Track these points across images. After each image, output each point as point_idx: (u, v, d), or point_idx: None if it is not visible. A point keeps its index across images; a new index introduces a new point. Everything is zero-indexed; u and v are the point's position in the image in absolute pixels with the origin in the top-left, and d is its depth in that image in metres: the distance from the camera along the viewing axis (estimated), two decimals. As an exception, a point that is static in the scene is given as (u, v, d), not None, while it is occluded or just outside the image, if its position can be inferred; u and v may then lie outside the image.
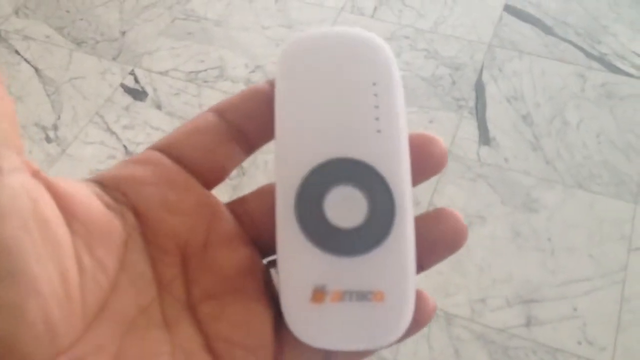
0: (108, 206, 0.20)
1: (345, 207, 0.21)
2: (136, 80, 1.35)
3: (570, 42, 1.38)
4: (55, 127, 1.28)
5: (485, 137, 1.23)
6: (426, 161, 0.22)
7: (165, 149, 0.22)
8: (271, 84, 0.23)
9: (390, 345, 0.21)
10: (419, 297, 0.21)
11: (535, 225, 1.11)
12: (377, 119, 0.22)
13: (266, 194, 0.23)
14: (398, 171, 0.21)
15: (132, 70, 1.36)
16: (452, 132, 1.25)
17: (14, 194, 0.16)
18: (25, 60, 1.39)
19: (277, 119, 0.22)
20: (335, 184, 0.21)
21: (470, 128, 1.25)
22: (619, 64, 1.34)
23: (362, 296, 0.20)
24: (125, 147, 1.24)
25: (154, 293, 0.20)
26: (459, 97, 1.29)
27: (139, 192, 0.20)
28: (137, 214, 0.20)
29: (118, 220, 0.20)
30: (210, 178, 0.22)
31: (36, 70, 1.37)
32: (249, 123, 0.22)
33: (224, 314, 0.20)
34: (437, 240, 0.22)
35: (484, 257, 1.07)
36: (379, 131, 0.21)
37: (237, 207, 0.23)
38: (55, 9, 1.49)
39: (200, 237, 0.21)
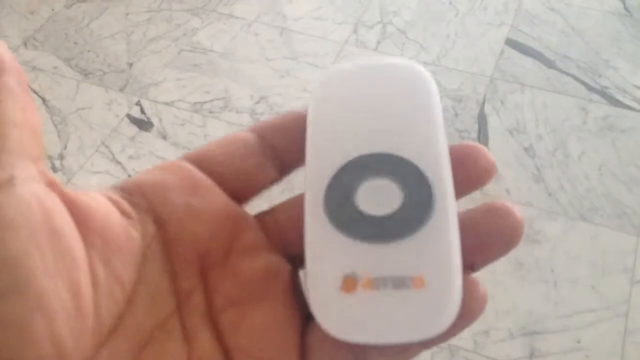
0: (127, 214, 0.19)
1: (378, 196, 0.20)
2: (142, 111, 1.36)
3: (571, 75, 1.39)
4: (61, 157, 1.29)
5: (487, 169, 1.23)
6: (470, 172, 0.20)
7: (196, 159, 0.21)
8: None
9: (434, 338, 0.18)
10: (466, 282, 0.19)
11: (538, 257, 1.11)
12: (414, 124, 0.21)
13: (296, 205, 0.21)
14: (435, 162, 0.20)
15: (139, 101, 1.38)
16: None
17: (25, 204, 0.16)
18: (33, 90, 1.41)
19: (310, 125, 0.21)
20: (367, 176, 0.20)
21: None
22: (620, 97, 1.35)
23: (399, 282, 0.18)
24: (130, 177, 1.25)
25: (173, 305, 0.19)
26: (461, 129, 1.30)
27: (162, 198, 0.20)
28: (159, 220, 0.19)
29: (137, 231, 0.19)
30: (240, 193, 0.21)
31: (43, 100, 1.39)
32: (285, 143, 0.21)
33: (245, 323, 0.19)
34: (489, 236, 0.19)
35: (487, 288, 1.07)
36: (415, 132, 0.20)
37: (265, 217, 0.22)
38: (64, 40, 1.51)
39: (223, 245, 0.20)
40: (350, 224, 0.19)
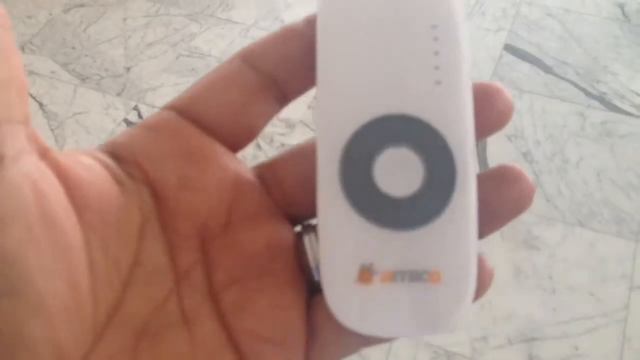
0: (123, 185, 0.18)
1: (398, 172, 0.18)
2: (139, 116, 1.36)
3: (569, 81, 1.39)
4: (58, 162, 1.28)
5: (485, 175, 1.23)
6: (488, 114, 0.19)
7: (185, 109, 0.19)
8: (309, 23, 0.19)
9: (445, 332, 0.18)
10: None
11: (537, 263, 1.11)
12: (436, 67, 0.18)
13: (300, 156, 0.20)
14: (460, 130, 0.18)
15: (136, 106, 1.38)
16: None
17: (17, 192, 0.14)
18: (30, 95, 1.40)
19: (319, 67, 0.18)
20: (386, 144, 0.18)
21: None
22: (618, 102, 1.35)
23: (416, 276, 0.18)
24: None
25: (172, 285, 0.18)
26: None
27: (156, 168, 0.18)
28: (154, 192, 0.18)
29: (134, 205, 0.17)
30: (238, 139, 0.19)
31: (40, 105, 1.38)
32: (283, 70, 0.19)
33: (248, 303, 0.18)
34: (501, 206, 0.18)
35: (485, 294, 1.07)
36: (438, 83, 0.18)
37: (265, 172, 0.20)
38: (61, 45, 1.51)
39: (222, 216, 0.18)
40: (369, 207, 0.18)
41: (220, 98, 0.19)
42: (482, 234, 0.19)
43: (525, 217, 1.16)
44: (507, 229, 1.15)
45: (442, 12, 0.19)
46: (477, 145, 1.28)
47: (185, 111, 0.19)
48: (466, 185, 0.18)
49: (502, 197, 0.18)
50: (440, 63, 0.18)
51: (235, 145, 0.19)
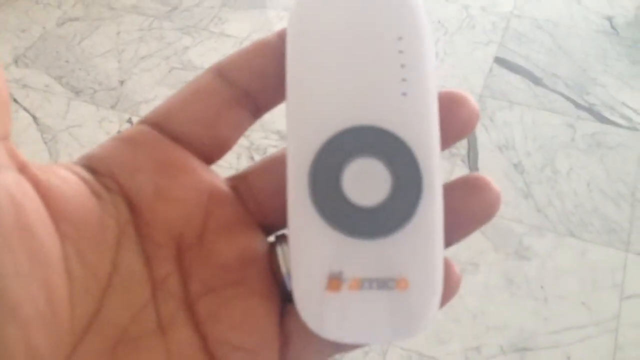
0: (99, 197, 0.18)
1: (365, 182, 0.18)
2: (133, 129, 1.37)
3: (559, 93, 1.41)
4: (51, 174, 1.29)
5: (477, 186, 1.24)
6: (453, 123, 0.19)
7: (160, 122, 0.19)
8: (280, 37, 0.20)
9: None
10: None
11: (528, 273, 1.11)
12: (403, 80, 0.19)
13: (272, 167, 0.20)
14: (426, 141, 0.19)
15: (130, 119, 1.38)
16: (444, 180, 1.26)
17: None
18: (24, 108, 1.41)
19: (289, 80, 0.19)
20: (354, 155, 0.19)
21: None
22: (607, 114, 1.36)
23: (384, 284, 0.18)
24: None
25: (148, 294, 0.18)
26: (451, 146, 1.31)
27: (132, 179, 0.18)
28: (130, 203, 0.18)
29: (111, 216, 0.18)
30: (212, 151, 0.20)
31: (34, 118, 1.39)
32: (256, 83, 0.19)
33: (223, 312, 0.18)
34: (468, 215, 0.19)
35: (478, 304, 1.08)
36: (404, 94, 0.19)
37: (239, 183, 0.20)
38: (55, 58, 1.51)
39: (197, 226, 0.19)
40: (338, 216, 0.18)
41: (194, 111, 0.19)
42: (449, 242, 0.19)
43: (516, 228, 1.17)
44: (498, 239, 1.16)
45: (407, 24, 0.19)
46: (468, 156, 1.29)
47: (160, 124, 0.19)
48: (432, 194, 0.19)
49: (469, 206, 0.19)
50: (407, 75, 0.19)
51: (209, 157, 0.20)
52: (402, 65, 0.19)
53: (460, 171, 1.26)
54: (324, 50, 0.19)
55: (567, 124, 1.35)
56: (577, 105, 1.38)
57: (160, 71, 1.48)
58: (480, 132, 1.33)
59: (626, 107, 1.37)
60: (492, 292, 1.09)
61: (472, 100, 0.19)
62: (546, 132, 1.33)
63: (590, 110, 1.37)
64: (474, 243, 1.15)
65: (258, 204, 0.20)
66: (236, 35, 1.56)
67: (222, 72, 0.19)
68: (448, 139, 0.19)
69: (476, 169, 1.27)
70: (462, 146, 1.30)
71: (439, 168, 0.19)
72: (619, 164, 1.27)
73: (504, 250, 1.14)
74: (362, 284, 0.18)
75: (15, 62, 1.51)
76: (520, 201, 1.21)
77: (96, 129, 1.37)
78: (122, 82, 1.46)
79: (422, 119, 0.19)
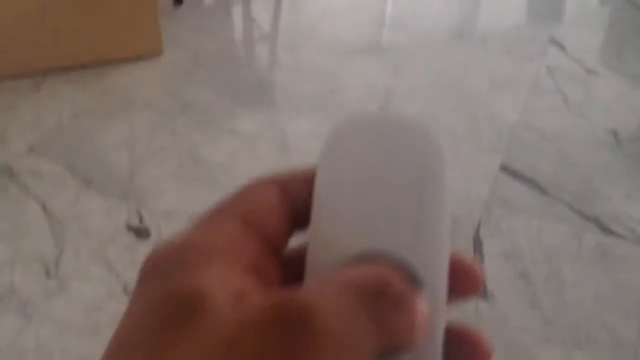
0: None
1: None
2: (141, 220, 1.37)
3: (565, 202, 1.42)
4: (56, 263, 1.28)
5: (483, 292, 1.24)
6: (461, 288, 0.21)
7: (246, 220, 0.22)
8: None
9: None
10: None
11: (535, 386, 1.09)
12: (419, 216, 0.21)
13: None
14: (435, 271, 0.20)
15: (138, 210, 1.39)
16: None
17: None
18: (34, 196, 1.42)
19: (315, 206, 0.21)
20: None
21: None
22: (612, 226, 1.37)
23: None
24: (125, 285, 1.24)
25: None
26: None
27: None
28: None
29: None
30: (277, 248, 0.22)
31: (44, 207, 1.40)
32: (306, 207, 0.22)
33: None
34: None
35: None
36: (419, 229, 0.20)
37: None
38: (68, 149, 1.54)
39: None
40: None
41: (266, 216, 0.22)
42: None
43: (523, 338, 1.16)
44: (504, 350, 1.14)
45: (429, 166, 0.21)
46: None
47: (246, 222, 0.22)
48: (434, 327, 0.20)
49: (460, 355, 0.21)
50: (423, 213, 0.21)
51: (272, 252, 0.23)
52: (420, 204, 0.21)
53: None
54: (349, 183, 0.21)
55: (573, 234, 1.35)
56: (583, 216, 1.39)
57: (171, 165, 1.50)
58: (485, 239, 1.34)
59: (631, 220, 1.38)
60: (498, 404, 1.06)
61: (482, 273, 0.21)
62: (552, 241, 1.34)
63: (596, 221, 1.38)
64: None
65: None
66: (246, 132, 1.60)
67: (283, 189, 0.22)
68: (455, 298, 0.21)
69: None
70: (468, 252, 1.30)
71: (443, 303, 0.20)
72: (624, 277, 1.27)
73: (510, 360, 1.12)
74: None
75: (29, 150, 1.53)
76: (526, 311, 1.20)
77: (104, 219, 1.37)
78: (132, 174, 1.48)
79: (434, 254, 0.20)
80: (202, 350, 0.17)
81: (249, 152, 1.54)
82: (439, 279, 0.20)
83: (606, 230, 1.36)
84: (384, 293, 0.18)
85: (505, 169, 1.50)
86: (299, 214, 0.22)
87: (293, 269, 0.22)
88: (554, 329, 1.17)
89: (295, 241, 0.23)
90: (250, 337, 0.17)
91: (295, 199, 0.22)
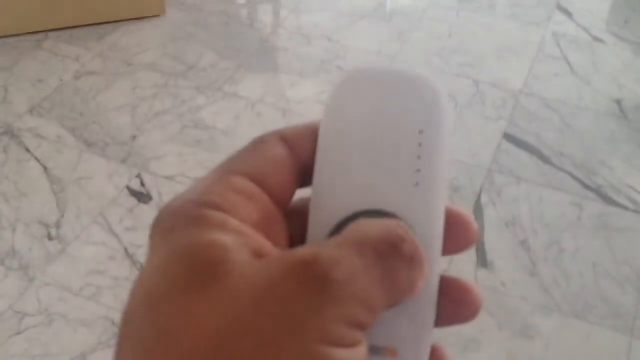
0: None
1: None
2: (142, 184, 1.37)
3: (567, 172, 1.42)
4: (57, 225, 1.29)
5: (483, 260, 1.24)
6: (455, 240, 0.22)
7: (254, 178, 0.22)
8: None
9: None
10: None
11: (532, 352, 1.10)
12: (417, 170, 0.21)
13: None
14: (429, 229, 0.21)
15: (139, 174, 1.39)
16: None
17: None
18: (35, 158, 1.42)
19: (317, 161, 0.22)
20: None
21: (468, 251, 1.26)
22: (614, 196, 1.37)
23: (375, 350, 0.20)
24: (125, 249, 1.24)
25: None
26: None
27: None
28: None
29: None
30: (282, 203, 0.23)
31: (45, 168, 1.40)
32: (311, 162, 0.22)
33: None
34: (451, 312, 0.21)
35: (479, 383, 1.06)
36: (416, 184, 0.21)
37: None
38: (69, 110, 1.53)
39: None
40: None
41: (273, 174, 0.22)
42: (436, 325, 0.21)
43: (521, 306, 1.16)
44: (503, 317, 1.15)
45: (429, 118, 0.21)
46: (474, 231, 1.29)
47: (255, 179, 0.22)
48: (430, 280, 0.20)
49: (455, 308, 0.21)
50: (421, 167, 0.21)
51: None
52: (419, 157, 0.21)
53: (466, 245, 1.26)
54: (351, 136, 0.22)
55: (574, 203, 1.35)
56: (584, 186, 1.39)
57: (173, 128, 1.50)
58: (487, 207, 1.34)
59: (633, 190, 1.38)
60: (495, 370, 1.08)
61: (475, 225, 0.22)
62: (553, 210, 1.34)
63: (597, 191, 1.38)
64: (477, 319, 1.14)
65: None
66: (249, 96, 1.59)
67: (290, 144, 0.23)
68: (449, 251, 0.22)
69: (482, 243, 1.27)
70: (468, 220, 1.31)
71: (439, 255, 0.21)
72: (625, 247, 1.27)
73: (508, 329, 1.13)
74: None
75: (30, 111, 1.53)
76: (526, 279, 1.21)
77: (105, 182, 1.37)
78: (133, 137, 1.47)
79: (429, 210, 0.21)
80: (231, 307, 0.18)
81: (251, 116, 1.54)
82: (435, 231, 0.21)
83: (608, 200, 1.36)
84: (399, 250, 0.19)
85: (508, 136, 1.50)
86: (305, 169, 0.22)
87: (293, 222, 0.22)
88: (552, 298, 1.18)
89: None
90: (278, 294, 0.18)
91: (300, 155, 0.23)
